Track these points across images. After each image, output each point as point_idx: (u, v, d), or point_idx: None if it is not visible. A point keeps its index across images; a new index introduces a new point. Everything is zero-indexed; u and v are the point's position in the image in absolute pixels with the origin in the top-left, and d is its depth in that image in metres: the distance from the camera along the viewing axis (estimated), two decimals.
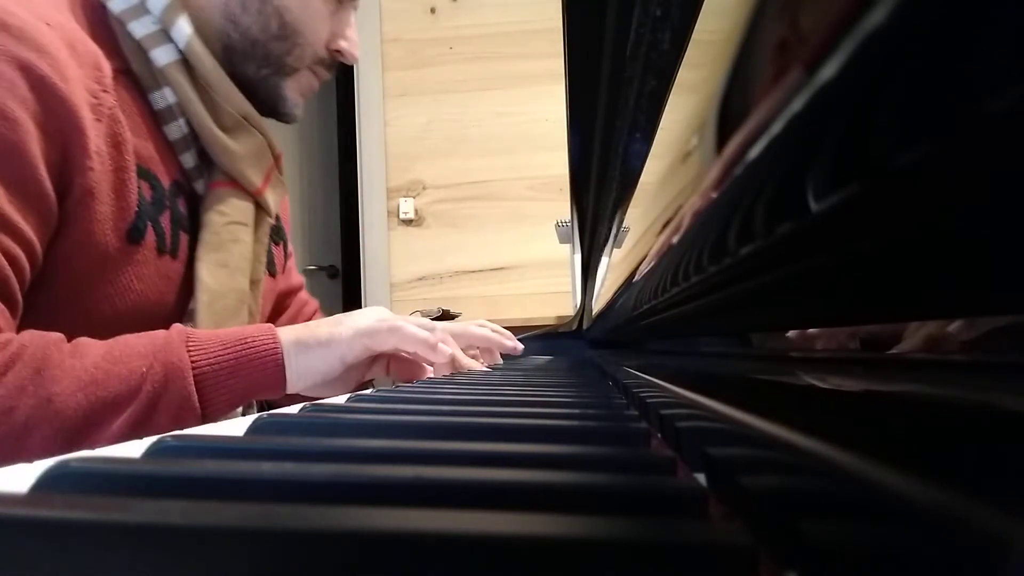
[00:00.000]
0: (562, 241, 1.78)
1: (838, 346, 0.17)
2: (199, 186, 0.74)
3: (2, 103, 0.55)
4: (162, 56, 0.68)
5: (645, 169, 0.38)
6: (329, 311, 0.85)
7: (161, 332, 0.60)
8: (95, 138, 0.60)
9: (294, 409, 0.33)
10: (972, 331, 0.11)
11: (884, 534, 0.11)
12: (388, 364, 0.73)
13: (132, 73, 0.67)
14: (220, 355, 0.59)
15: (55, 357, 0.54)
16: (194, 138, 0.72)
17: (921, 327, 0.13)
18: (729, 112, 0.15)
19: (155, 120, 0.69)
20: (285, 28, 0.74)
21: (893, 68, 0.08)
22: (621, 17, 0.55)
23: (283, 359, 0.62)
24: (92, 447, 0.54)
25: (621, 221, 0.55)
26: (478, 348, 0.86)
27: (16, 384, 0.52)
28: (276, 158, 0.81)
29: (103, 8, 0.67)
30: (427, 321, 0.71)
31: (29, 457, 0.54)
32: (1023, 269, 0.09)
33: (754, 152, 0.13)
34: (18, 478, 0.18)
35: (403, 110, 2.49)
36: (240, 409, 0.68)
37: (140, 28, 0.67)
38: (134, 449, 0.23)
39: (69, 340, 0.57)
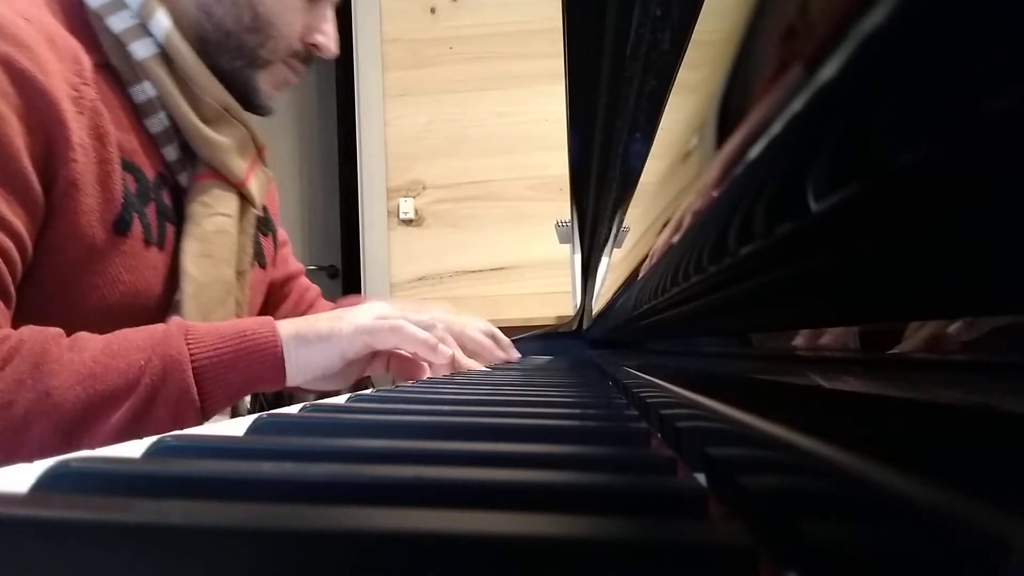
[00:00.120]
0: (562, 241, 1.78)
1: (838, 346, 0.17)
2: (183, 179, 0.74)
3: None
4: (141, 50, 0.68)
5: (645, 169, 0.38)
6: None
7: (160, 326, 0.60)
8: (77, 130, 0.61)
9: (294, 409, 0.33)
10: (972, 331, 0.11)
11: (884, 534, 0.11)
12: (388, 361, 0.73)
13: (111, 67, 0.67)
14: (219, 348, 0.60)
15: (53, 351, 0.54)
16: (176, 131, 0.72)
17: (921, 327, 0.13)
18: (729, 112, 0.15)
19: (136, 114, 0.69)
20: (258, 20, 0.74)
21: (893, 68, 0.08)
22: (621, 17, 0.55)
23: (282, 352, 0.62)
24: (91, 440, 0.55)
25: (621, 221, 0.55)
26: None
27: (15, 378, 0.52)
28: (259, 149, 0.81)
29: (80, 4, 0.67)
30: (427, 319, 0.71)
31: (28, 450, 0.54)
32: (1023, 269, 0.09)
33: (754, 152, 0.13)
34: (18, 478, 0.18)
35: (403, 110, 2.49)
36: (247, 405, 0.68)
37: (119, 22, 0.67)
38: (134, 449, 0.23)
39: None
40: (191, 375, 0.58)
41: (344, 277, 2.87)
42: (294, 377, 0.63)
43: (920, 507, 0.10)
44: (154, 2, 0.69)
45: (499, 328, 0.95)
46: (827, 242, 0.14)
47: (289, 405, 0.39)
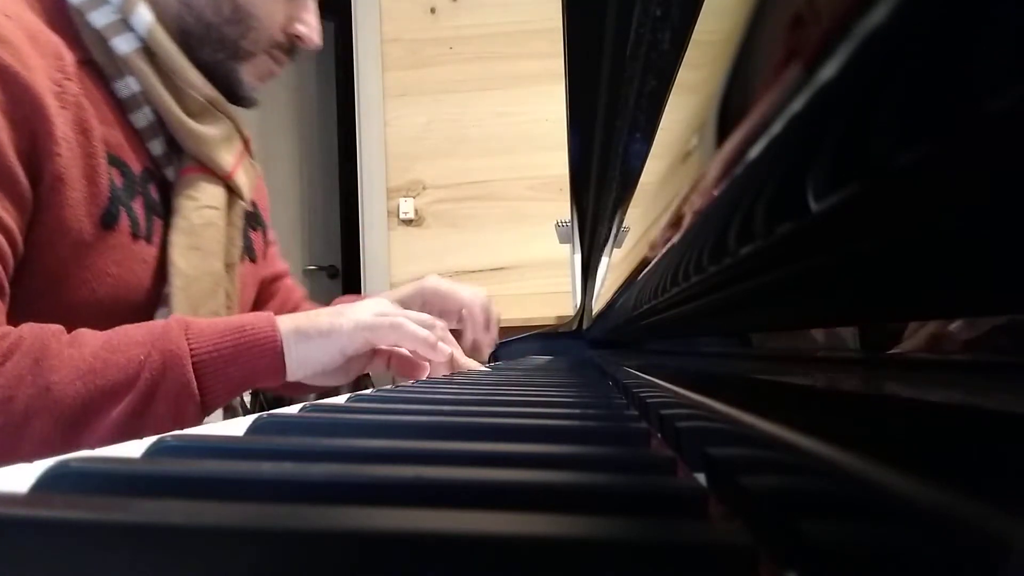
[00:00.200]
0: (562, 241, 1.78)
1: (838, 346, 0.17)
2: (169, 173, 0.74)
3: None
4: (123, 44, 0.68)
5: (645, 169, 0.38)
6: None
7: (160, 322, 0.61)
8: (61, 125, 0.61)
9: (294, 409, 0.33)
10: (972, 331, 0.11)
11: (884, 534, 0.11)
12: (389, 359, 0.73)
13: (94, 63, 0.67)
14: (218, 343, 0.60)
15: (54, 347, 0.55)
16: (161, 125, 0.72)
17: (921, 327, 0.13)
18: (729, 112, 0.15)
19: (120, 109, 0.69)
20: (238, 12, 0.74)
21: (893, 68, 0.08)
22: (621, 17, 0.55)
23: (282, 347, 0.62)
24: (92, 435, 0.55)
25: (621, 221, 0.55)
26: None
27: (15, 373, 0.53)
28: (245, 142, 0.81)
29: (61, 1, 0.67)
30: (428, 318, 0.71)
31: (29, 444, 0.55)
32: (1023, 269, 0.09)
33: (754, 152, 0.13)
34: (18, 478, 0.18)
35: (403, 110, 2.49)
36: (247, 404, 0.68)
37: (100, 18, 0.67)
38: (134, 449, 0.23)
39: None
40: (191, 370, 0.58)
41: (344, 277, 2.87)
42: (294, 372, 0.63)
43: (920, 507, 0.10)
44: None
45: (499, 328, 0.95)
46: (827, 242, 0.14)
47: (289, 405, 0.39)
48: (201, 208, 0.73)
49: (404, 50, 2.49)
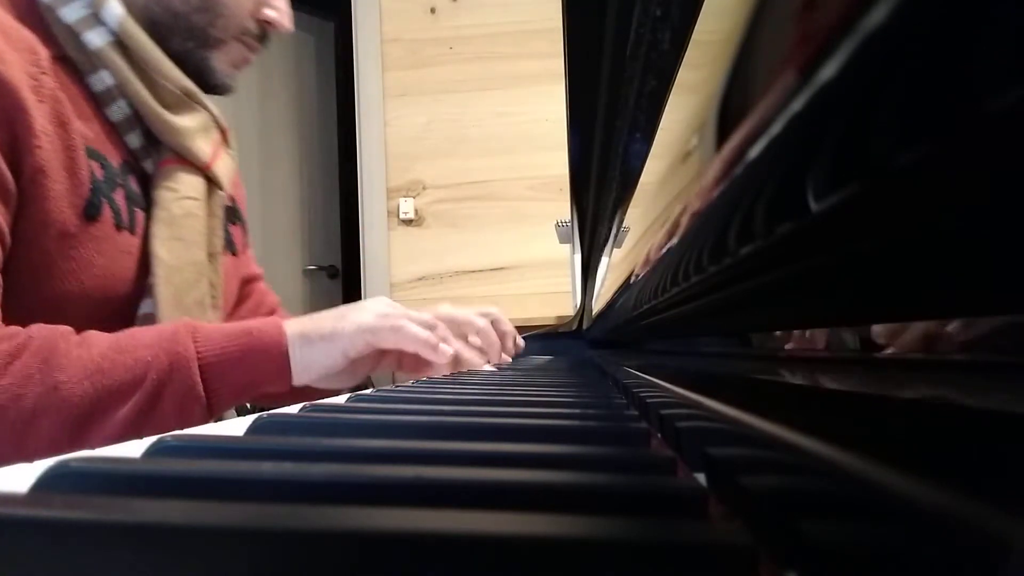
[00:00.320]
0: (562, 241, 1.78)
1: (838, 346, 0.17)
2: (148, 165, 0.74)
3: None
4: (96, 38, 0.68)
5: (645, 169, 0.38)
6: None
7: (169, 324, 0.62)
8: (39, 118, 0.61)
9: (294, 409, 0.33)
10: (972, 331, 0.11)
11: (884, 534, 0.11)
12: (400, 360, 0.73)
13: (68, 59, 0.68)
14: (225, 346, 0.61)
15: (62, 347, 0.56)
16: (137, 118, 0.72)
17: (921, 327, 0.13)
18: (729, 112, 0.15)
19: (96, 103, 0.69)
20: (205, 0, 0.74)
21: (893, 68, 0.08)
22: (621, 17, 0.55)
23: (288, 351, 0.62)
24: (99, 433, 0.55)
25: (621, 221, 0.55)
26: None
27: (24, 372, 0.54)
28: (223, 132, 0.81)
29: None
30: (429, 318, 0.71)
31: (38, 442, 0.55)
32: (1023, 269, 0.09)
33: (754, 152, 0.13)
34: (18, 478, 0.18)
35: (403, 110, 2.49)
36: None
37: (71, 13, 0.67)
38: (134, 449, 0.23)
39: (38, 319, 0.58)
40: (197, 372, 0.59)
41: (344, 277, 2.87)
42: (299, 376, 0.63)
43: (920, 507, 0.10)
44: None
45: None
46: (827, 242, 0.14)
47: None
48: (181, 199, 0.73)
49: (404, 50, 2.49)
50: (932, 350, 0.12)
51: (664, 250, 0.24)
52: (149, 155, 0.74)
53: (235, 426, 0.30)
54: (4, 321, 0.57)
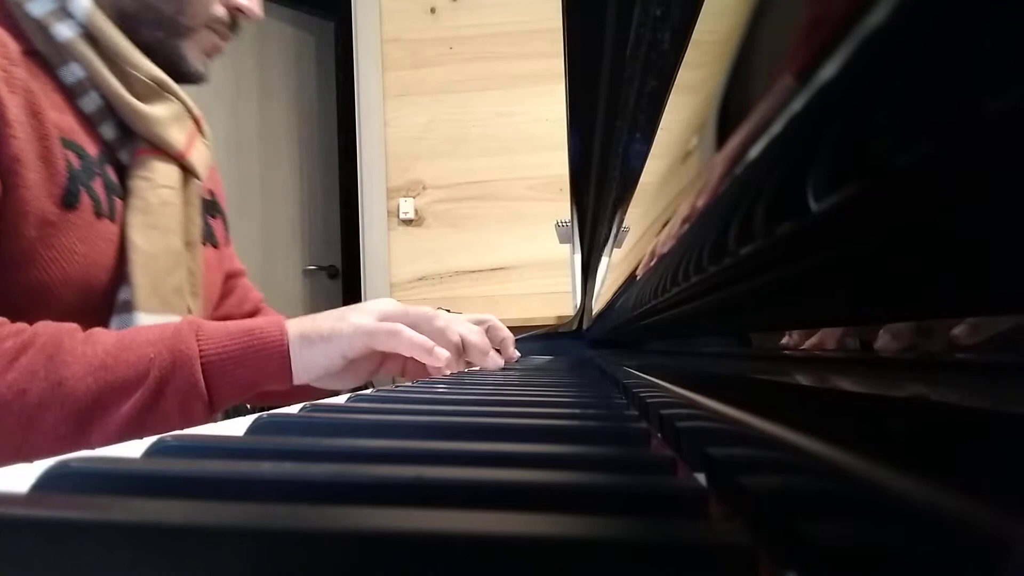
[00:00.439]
0: (562, 241, 1.78)
1: (838, 346, 0.17)
2: (123, 156, 0.74)
3: None
4: (64, 31, 0.68)
5: (645, 169, 0.38)
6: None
7: (172, 322, 0.62)
8: (13, 108, 0.61)
9: (294, 409, 0.33)
10: (972, 331, 0.11)
11: (884, 534, 0.11)
12: (405, 363, 0.73)
13: (38, 54, 0.68)
14: (228, 345, 0.61)
15: (67, 344, 0.56)
16: (110, 109, 0.72)
17: (921, 327, 0.13)
18: (729, 112, 0.15)
19: (68, 95, 0.69)
20: None
21: (893, 68, 0.08)
22: (621, 17, 0.55)
23: (289, 351, 0.62)
24: (102, 430, 0.56)
25: (621, 221, 0.55)
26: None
27: (29, 368, 0.54)
28: (196, 121, 0.81)
29: None
30: (440, 321, 0.71)
31: (42, 437, 0.56)
32: (1023, 269, 0.09)
33: (754, 152, 0.13)
34: (18, 478, 0.18)
35: (403, 110, 2.49)
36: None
37: (38, 7, 0.67)
38: (134, 449, 0.23)
39: (22, 308, 0.59)
40: (199, 370, 0.59)
41: (344, 277, 2.87)
42: (300, 376, 0.64)
43: (920, 507, 0.10)
44: None
45: None
46: (827, 242, 0.14)
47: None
48: (156, 188, 0.74)
49: (404, 50, 2.49)
50: (932, 350, 0.12)
51: (664, 250, 0.24)
52: (124, 146, 0.74)
53: (235, 426, 0.30)
54: None
